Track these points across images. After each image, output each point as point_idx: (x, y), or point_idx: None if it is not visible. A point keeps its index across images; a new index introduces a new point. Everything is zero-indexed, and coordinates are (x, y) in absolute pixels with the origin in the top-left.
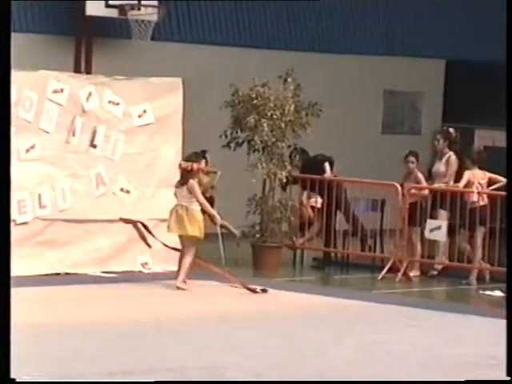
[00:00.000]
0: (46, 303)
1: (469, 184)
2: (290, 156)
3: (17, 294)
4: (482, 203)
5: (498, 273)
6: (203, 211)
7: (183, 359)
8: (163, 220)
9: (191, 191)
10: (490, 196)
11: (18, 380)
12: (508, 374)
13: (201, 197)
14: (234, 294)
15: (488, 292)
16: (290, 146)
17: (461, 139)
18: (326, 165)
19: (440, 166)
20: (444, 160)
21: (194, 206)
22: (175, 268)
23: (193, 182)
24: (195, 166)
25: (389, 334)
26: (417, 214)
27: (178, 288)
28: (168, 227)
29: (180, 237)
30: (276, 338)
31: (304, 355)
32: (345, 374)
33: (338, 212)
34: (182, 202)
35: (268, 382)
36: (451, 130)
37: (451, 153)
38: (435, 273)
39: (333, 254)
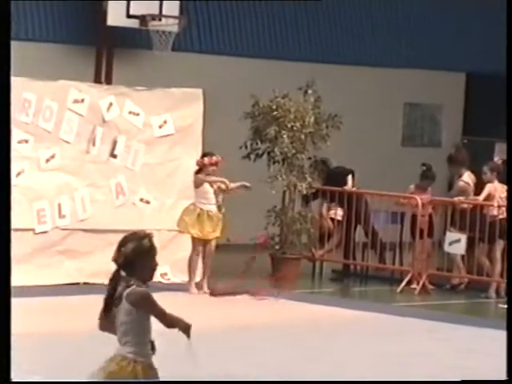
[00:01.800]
0: (65, 313)
1: (489, 197)
2: (312, 166)
3: (35, 304)
4: (501, 216)
5: None
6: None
7: (197, 369)
8: (183, 232)
9: (197, 185)
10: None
11: (16, 380)
12: (508, 375)
13: (208, 179)
14: (251, 305)
15: (507, 306)
16: (310, 158)
17: (481, 152)
18: (349, 177)
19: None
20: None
21: (211, 206)
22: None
23: (195, 177)
24: (199, 161)
25: (406, 346)
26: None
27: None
28: (186, 228)
29: (198, 239)
30: (292, 349)
31: (319, 367)
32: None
33: (358, 225)
34: (199, 204)
35: (268, 382)
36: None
37: (465, 174)
38: (462, 287)
39: (352, 266)
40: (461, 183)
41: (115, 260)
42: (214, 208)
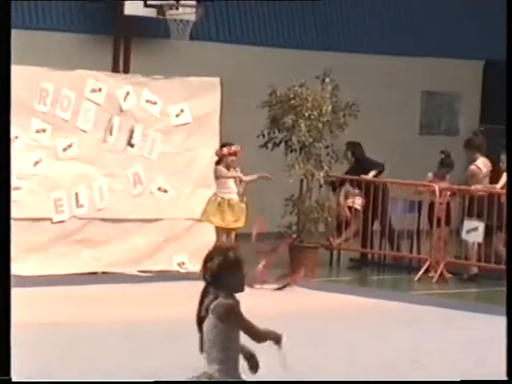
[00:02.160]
0: (82, 302)
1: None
2: (346, 149)
3: (52, 293)
4: None
5: None
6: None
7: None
8: (200, 220)
9: (216, 176)
10: None
11: (16, 380)
12: (508, 375)
13: (224, 173)
14: (269, 295)
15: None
16: (327, 147)
17: (498, 141)
18: (372, 172)
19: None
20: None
21: (232, 195)
22: None
23: (215, 167)
24: (218, 151)
25: (425, 335)
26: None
27: None
28: (208, 218)
29: (221, 229)
30: (310, 337)
31: (336, 355)
32: (373, 374)
33: (376, 220)
34: (220, 193)
35: (270, 382)
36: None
37: (479, 159)
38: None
39: (369, 255)
40: (472, 167)
41: (203, 276)
42: (235, 197)
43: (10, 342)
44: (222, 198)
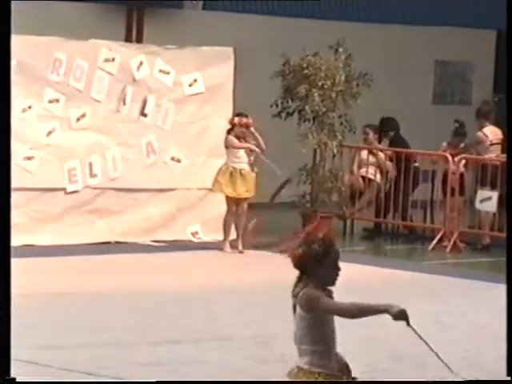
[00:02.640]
0: (96, 272)
1: None
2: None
3: (66, 263)
4: None
5: None
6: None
7: (231, 328)
8: (213, 190)
9: (228, 145)
10: None
11: (18, 380)
12: (508, 374)
13: (236, 144)
14: (284, 264)
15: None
16: (340, 116)
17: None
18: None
19: None
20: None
21: (243, 165)
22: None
23: (226, 136)
24: (230, 119)
25: (439, 304)
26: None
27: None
28: (220, 189)
29: (231, 198)
30: None
31: (349, 324)
32: (390, 345)
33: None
34: (231, 163)
35: (275, 383)
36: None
37: (487, 127)
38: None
39: (383, 225)
40: (479, 133)
41: (294, 263)
42: (246, 166)
43: (10, 343)
44: (234, 167)
